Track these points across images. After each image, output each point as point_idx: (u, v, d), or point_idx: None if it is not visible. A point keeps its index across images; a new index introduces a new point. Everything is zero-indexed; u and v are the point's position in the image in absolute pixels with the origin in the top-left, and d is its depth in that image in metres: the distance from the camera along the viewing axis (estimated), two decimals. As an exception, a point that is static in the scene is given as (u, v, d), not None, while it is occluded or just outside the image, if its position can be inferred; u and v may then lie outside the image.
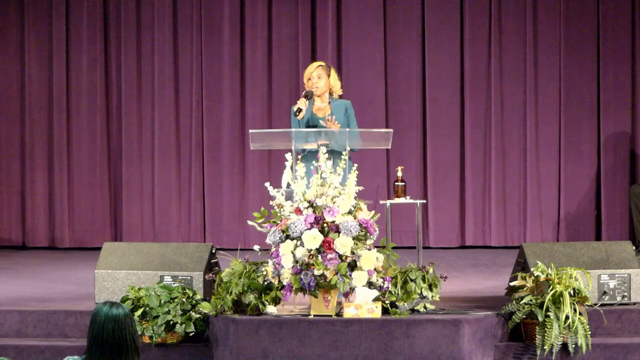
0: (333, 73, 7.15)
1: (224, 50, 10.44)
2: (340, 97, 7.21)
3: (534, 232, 10.26)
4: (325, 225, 6.11)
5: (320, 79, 7.07)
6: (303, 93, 7.06)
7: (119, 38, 10.50)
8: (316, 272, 6.00)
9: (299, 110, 6.89)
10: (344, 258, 6.06)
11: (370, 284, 6.13)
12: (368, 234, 6.16)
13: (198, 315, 6.31)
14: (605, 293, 6.54)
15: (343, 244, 6.04)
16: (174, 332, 6.29)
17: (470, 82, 10.31)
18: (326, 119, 6.91)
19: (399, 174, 7.50)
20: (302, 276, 6.02)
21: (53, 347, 6.40)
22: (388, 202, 7.46)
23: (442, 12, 10.31)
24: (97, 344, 4.13)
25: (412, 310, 6.27)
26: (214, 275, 6.50)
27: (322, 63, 7.17)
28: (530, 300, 6.15)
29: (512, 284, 6.40)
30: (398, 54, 10.39)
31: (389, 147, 6.93)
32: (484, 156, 10.34)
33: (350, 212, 6.17)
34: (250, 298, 6.18)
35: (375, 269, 6.12)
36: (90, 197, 10.52)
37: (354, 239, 6.09)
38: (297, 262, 6.06)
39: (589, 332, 6.12)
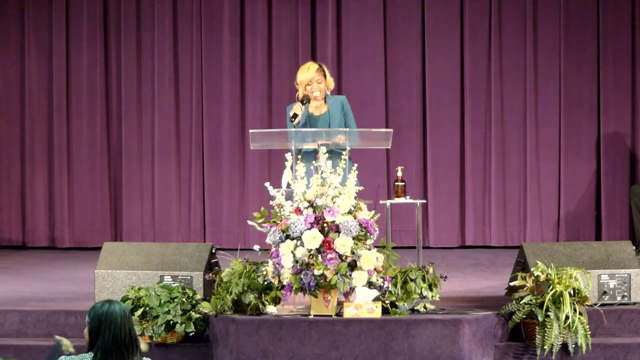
0: (327, 72, 7.04)
1: (224, 50, 10.44)
2: (332, 92, 7.14)
3: (534, 232, 10.25)
4: (325, 225, 6.11)
5: (319, 83, 6.95)
6: (299, 97, 6.96)
7: (119, 38, 10.50)
8: (316, 272, 6.00)
9: (295, 115, 6.82)
10: (344, 258, 6.06)
11: (370, 284, 6.13)
12: (368, 234, 6.15)
13: (198, 315, 6.31)
14: (605, 293, 6.54)
15: (343, 243, 6.04)
16: (174, 332, 6.29)
17: (470, 82, 10.30)
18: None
19: (399, 173, 7.49)
20: (302, 276, 6.01)
21: (53, 347, 6.38)
22: (388, 202, 7.46)
23: (442, 12, 10.31)
24: (116, 345, 4.14)
25: (412, 310, 6.27)
26: (214, 275, 6.50)
27: (317, 65, 7.01)
28: (530, 300, 6.15)
29: (512, 284, 6.40)
30: (398, 54, 10.38)
31: (389, 147, 6.92)
32: (484, 156, 10.33)
33: (350, 212, 6.16)
34: (250, 298, 6.18)
35: (375, 269, 6.12)
36: (90, 197, 10.52)
37: (354, 239, 6.08)
38: (297, 262, 6.06)
39: (589, 332, 6.12)
